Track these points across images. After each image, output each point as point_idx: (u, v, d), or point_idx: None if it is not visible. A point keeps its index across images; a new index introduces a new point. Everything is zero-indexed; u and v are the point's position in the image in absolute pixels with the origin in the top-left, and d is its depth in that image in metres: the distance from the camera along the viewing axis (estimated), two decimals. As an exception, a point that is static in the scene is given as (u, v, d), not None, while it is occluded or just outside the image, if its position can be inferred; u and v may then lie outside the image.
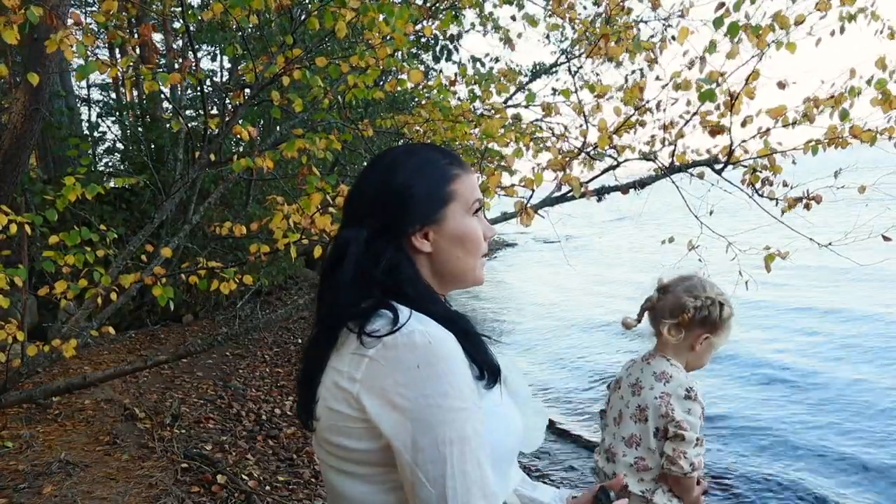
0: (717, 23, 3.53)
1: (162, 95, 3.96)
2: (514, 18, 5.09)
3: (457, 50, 8.96)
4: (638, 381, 1.87)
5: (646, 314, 1.95)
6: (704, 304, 1.82)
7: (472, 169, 1.14)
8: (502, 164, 4.99)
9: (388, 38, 3.65)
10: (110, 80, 9.60)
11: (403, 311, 0.96)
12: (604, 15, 4.51)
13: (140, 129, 9.92)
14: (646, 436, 1.81)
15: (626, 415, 1.86)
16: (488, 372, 1.00)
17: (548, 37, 8.28)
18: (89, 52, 3.46)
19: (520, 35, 5.01)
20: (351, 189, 1.13)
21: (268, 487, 3.90)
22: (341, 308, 1.00)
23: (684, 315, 1.82)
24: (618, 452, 1.85)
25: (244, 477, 3.93)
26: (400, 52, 4.10)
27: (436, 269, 1.08)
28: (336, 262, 1.03)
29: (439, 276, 1.08)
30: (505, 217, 4.36)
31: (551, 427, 5.52)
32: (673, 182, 4.43)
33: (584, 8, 5.06)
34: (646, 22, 6.06)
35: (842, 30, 3.55)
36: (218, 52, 9.31)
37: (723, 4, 3.53)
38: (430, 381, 0.90)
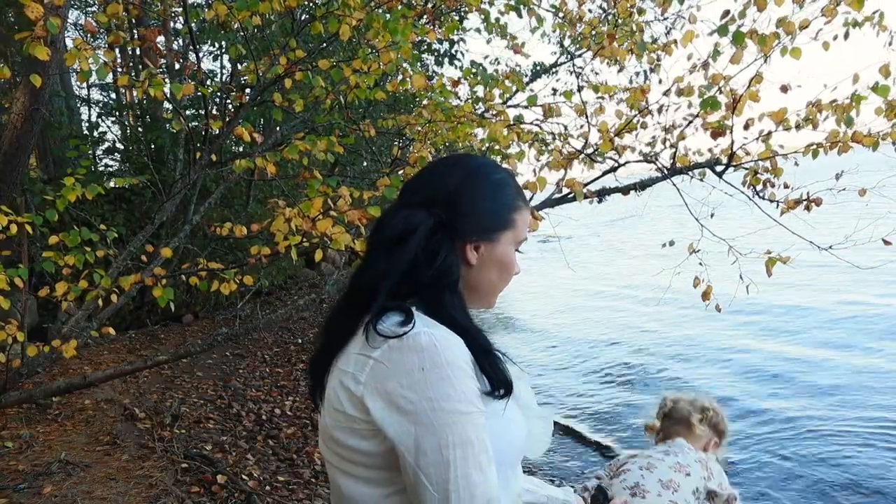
0: (722, 30, 3.52)
1: (162, 93, 3.96)
2: (520, 16, 5.07)
3: (463, 55, 8.98)
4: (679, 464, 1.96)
5: (662, 419, 2.10)
6: (716, 412, 2.05)
7: (528, 207, 1.19)
8: (503, 165, 4.98)
9: (392, 42, 3.65)
10: (111, 81, 9.60)
11: (414, 314, 0.97)
12: (612, 16, 4.51)
13: (140, 129, 9.92)
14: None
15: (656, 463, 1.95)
16: (501, 388, 1.00)
17: (561, 44, 8.27)
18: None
19: (523, 44, 5.00)
20: (424, 172, 1.14)
21: (268, 487, 3.90)
22: (380, 289, 1.00)
23: (706, 413, 2.02)
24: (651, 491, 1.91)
25: (244, 477, 3.93)
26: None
27: (468, 282, 1.09)
28: (399, 240, 1.02)
29: (468, 290, 1.10)
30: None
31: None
32: (674, 184, 4.43)
33: (590, 11, 5.04)
34: (649, 23, 6.06)
35: (846, 35, 3.55)
36: (220, 52, 9.30)
37: (728, 12, 3.52)
38: (435, 383, 0.90)
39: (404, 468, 0.92)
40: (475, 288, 1.11)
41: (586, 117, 4.37)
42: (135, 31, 8.40)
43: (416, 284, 1.01)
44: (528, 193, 3.83)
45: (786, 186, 4.04)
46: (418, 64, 6.90)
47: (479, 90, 4.76)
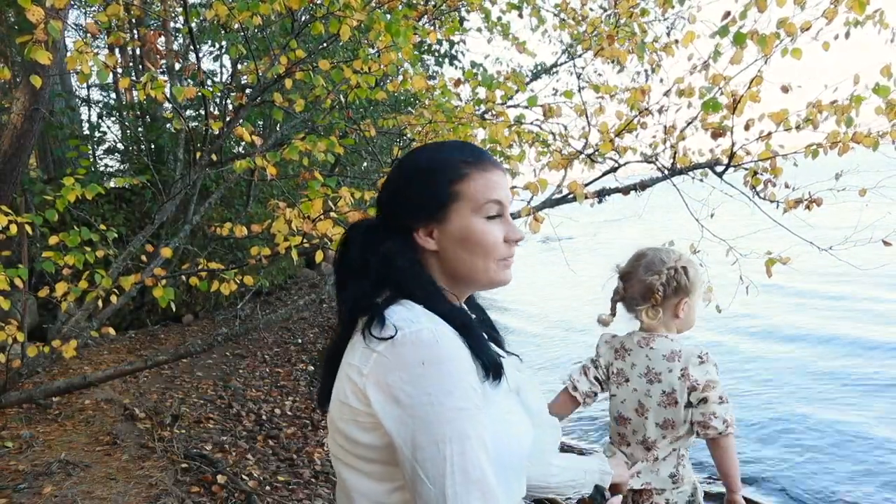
0: (723, 31, 3.52)
1: (164, 95, 3.97)
2: (521, 16, 5.09)
3: (463, 55, 8.97)
4: (651, 369, 1.87)
5: (619, 305, 1.97)
6: (671, 276, 1.84)
7: (495, 168, 1.08)
8: (505, 165, 4.99)
9: (393, 43, 3.65)
10: (111, 80, 9.60)
11: (416, 309, 0.97)
12: (613, 16, 4.51)
13: (140, 129, 9.91)
14: (678, 416, 1.84)
15: (649, 404, 1.87)
16: (489, 366, 0.99)
17: (563, 42, 8.24)
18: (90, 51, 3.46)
19: (524, 43, 5.00)
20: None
21: (268, 487, 3.90)
22: (353, 299, 1.03)
23: (655, 295, 1.84)
24: (656, 439, 1.87)
25: (244, 477, 3.93)
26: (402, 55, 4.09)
27: (445, 270, 1.08)
28: (342, 250, 1.08)
29: (450, 277, 1.08)
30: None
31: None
32: (674, 185, 4.43)
33: (591, 10, 5.04)
34: (650, 23, 6.05)
35: (847, 35, 3.54)
36: (220, 52, 9.30)
37: (728, 13, 3.51)
38: (434, 378, 0.90)
39: (402, 462, 0.92)
40: (457, 273, 1.08)
41: (587, 117, 4.37)
42: (135, 32, 8.40)
43: (388, 283, 1.03)
44: (528, 194, 3.83)
45: (786, 186, 4.04)
46: (418, 64, 6.90)
47: (481, 92, 4.75)
